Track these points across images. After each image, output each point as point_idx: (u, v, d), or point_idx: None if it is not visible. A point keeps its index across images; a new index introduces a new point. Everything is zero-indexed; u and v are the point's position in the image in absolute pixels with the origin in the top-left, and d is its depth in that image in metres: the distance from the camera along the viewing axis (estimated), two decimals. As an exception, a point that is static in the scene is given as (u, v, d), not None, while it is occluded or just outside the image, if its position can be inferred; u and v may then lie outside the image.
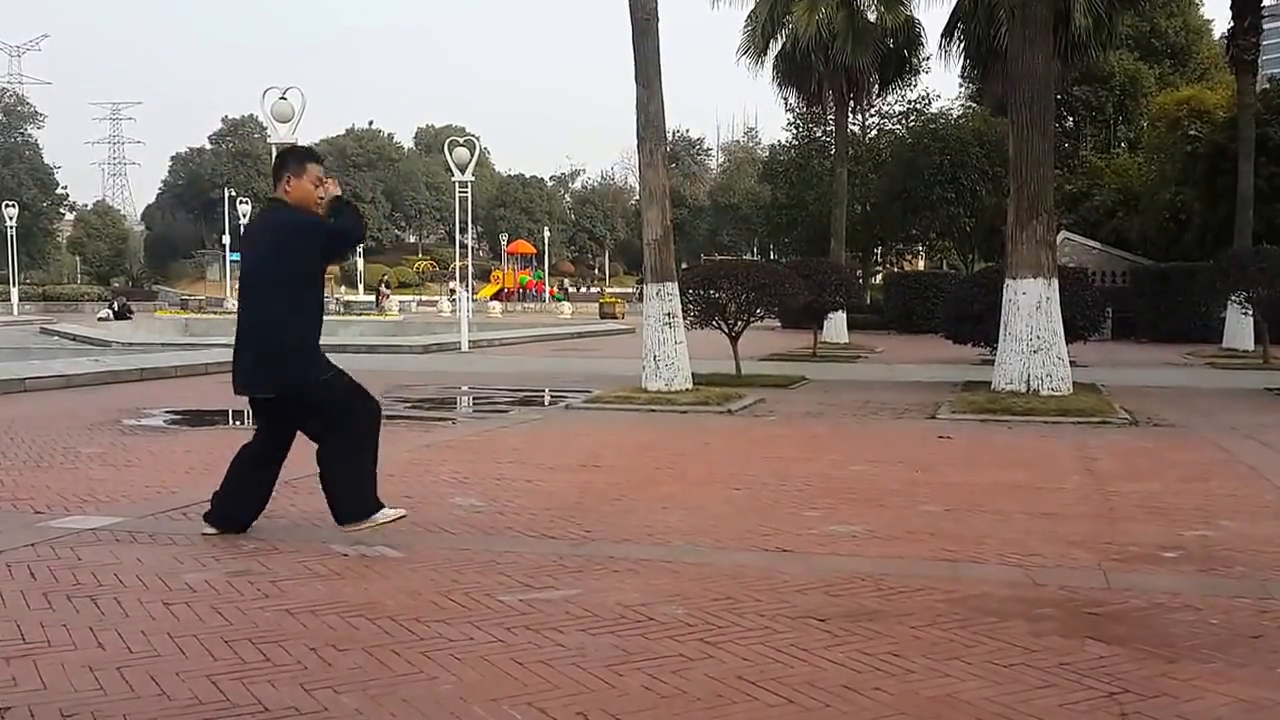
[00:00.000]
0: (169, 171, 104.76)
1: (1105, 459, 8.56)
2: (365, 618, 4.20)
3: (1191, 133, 31.59)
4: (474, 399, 14.20)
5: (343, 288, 74.92)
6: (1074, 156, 40.89)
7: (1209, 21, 45.28)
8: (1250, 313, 20.17)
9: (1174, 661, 3.71)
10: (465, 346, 23.58)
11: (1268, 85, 31.90)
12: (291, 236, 5.40)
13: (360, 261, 76.82)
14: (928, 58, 30.79)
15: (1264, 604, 4.41)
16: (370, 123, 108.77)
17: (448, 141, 40.15)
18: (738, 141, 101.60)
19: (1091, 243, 32.30)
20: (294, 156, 5.62)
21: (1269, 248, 21.31)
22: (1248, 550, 5.36)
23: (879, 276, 46.13)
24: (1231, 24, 24.49)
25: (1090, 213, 36.81)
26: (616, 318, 44.72)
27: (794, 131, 44.12)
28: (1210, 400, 13.50)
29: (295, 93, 24.01)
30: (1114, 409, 11.72)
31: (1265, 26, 25.30)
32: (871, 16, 27.12)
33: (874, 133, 43.82)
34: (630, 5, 13.44)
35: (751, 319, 15.84)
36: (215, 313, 47.48)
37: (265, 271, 5.41)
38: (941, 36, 23.52)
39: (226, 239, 71.78)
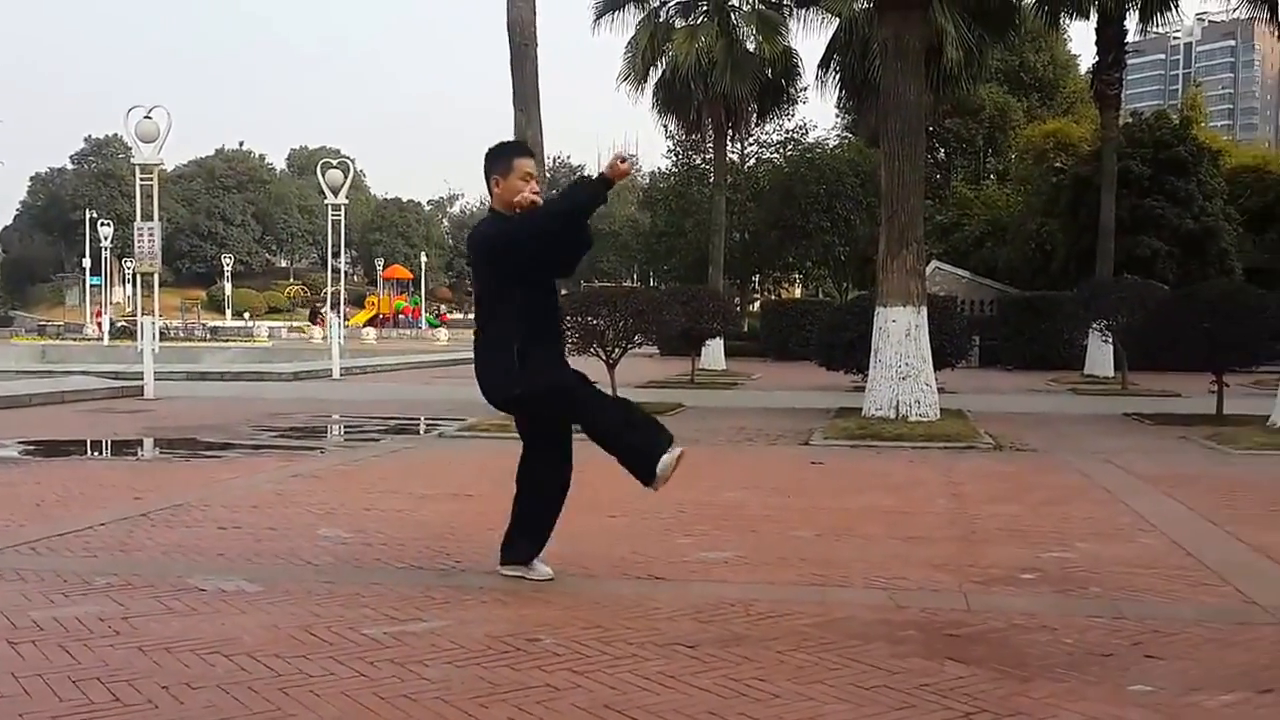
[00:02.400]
0: (27, 192, 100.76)
1: (970, 483, 8.79)
2: (221, 654, 4.05)
3: (1057, 165, 32.99)
4: (344, 427, 13.91)
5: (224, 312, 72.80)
6: (945, 187, 42.25)
7: (1075, 57, 47.34)
8: (1110, 340, 21.00)
9: (1029, 681, 3.80)
10: (337, 374, 23.13)
11: (1130, 119, 33.49)
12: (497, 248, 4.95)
13: (228, 286, 74.83)
14: (805, 88, 31.52)
15: (1116, 623, 4.55)
16: (241, 143, 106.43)
17: (321, 164, 39.49)
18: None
19: (961, 272, 33.36)
20: (499, 153, 5.06)
21: (1129, 278, 22.29)
22: (1102, 571, 5.54)
23: (757, 304, 46.84)
24: (1096, 60, 25.61)
25: (960, 242, 38.03)
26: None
27: (674, 159, 44.69)
28: (1071, 425, 13.99)
29: (161, 112, 23.33)
30: (979, 434, 12.06)
31: (1128, 62, 26.54)
32: (750, 46, 27.61)
33: (752, 161, 44.61)
34: (508, 31, 13.42)
35: (630, 346, 15.88)
36: (75, 339, 45.63)
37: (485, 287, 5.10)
38: (818, 67, 24.09)
39: (87, 262, 69.23)
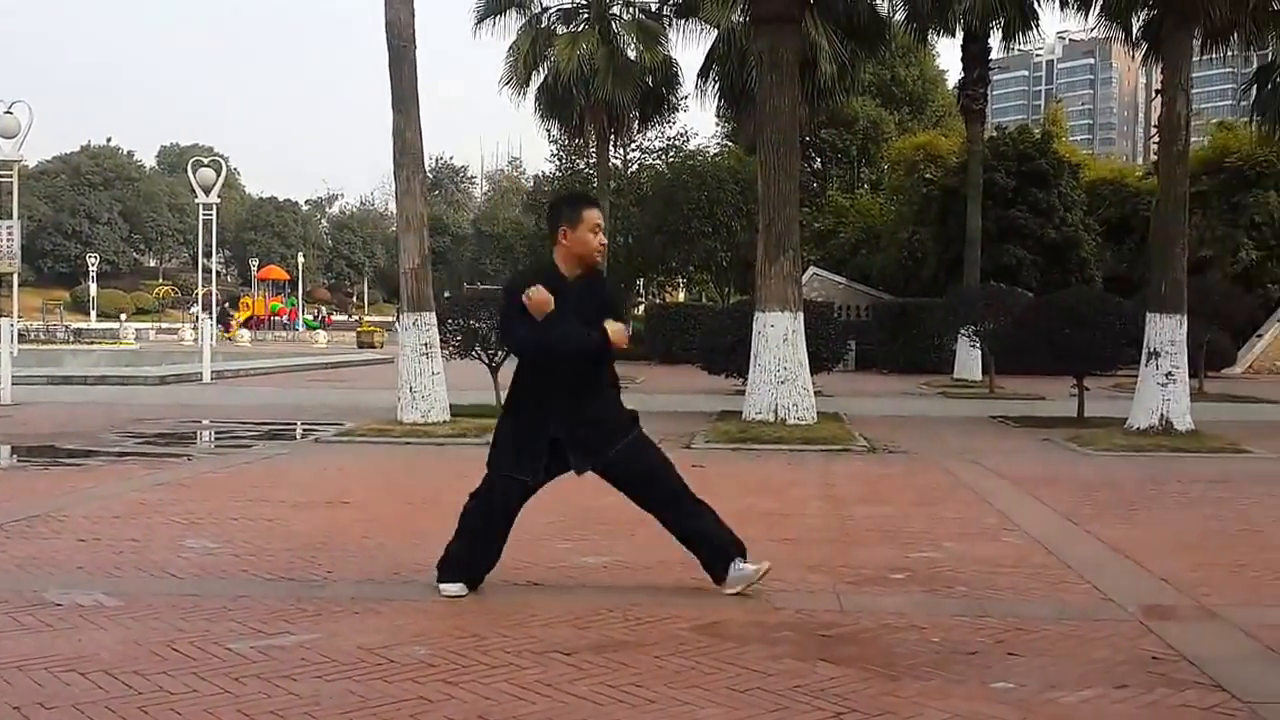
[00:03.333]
0: None
1: (844, 485, 8.97)
2: (78, 672, 3.88)
3: (927, 176, 33.87)
4: (215, 433, 13.50)
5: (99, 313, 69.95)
6: (821, 195, 43.02)
7: (944, 72, 48.67)
8: (978, 345, 21.66)
9: (897, 680, 3.89)
10: (208, 377, 22.46)
11: (995, 133, 34.60)
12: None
13: (93, 286, 72.03)
14: (686, 96, 31.70)
15: (980, 621, 4.69)
16: (109, 139, 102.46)
17: (192, 161, 38.30)
18: (502, 170, 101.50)
19: (837, 278, 34.03)
20: (570, 202, 5.15)
21: (995, 285, 23.02)
22: (968, 570, 5.70)
23: (641, 308, 47.04)
24: (962, 75, 26.41)
25: (836, 249, 38.80)
26: (375, 347, 43.72)
27: (557, 163, 44.55)
28: (942, 428, 14.39)
29: (22, 107, 22.34)
30: (854, 437, 12.33)
31: (993, 78, 27.40)
32: (632, 54, 27.70)
33: (636, 167, 44.78)
34: (387, 32, 13.22)
35: (512, 349, 15.75)
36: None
37: None
38: (698, 76, 24.23)
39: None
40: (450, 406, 13.25)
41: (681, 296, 53.06)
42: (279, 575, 5.48)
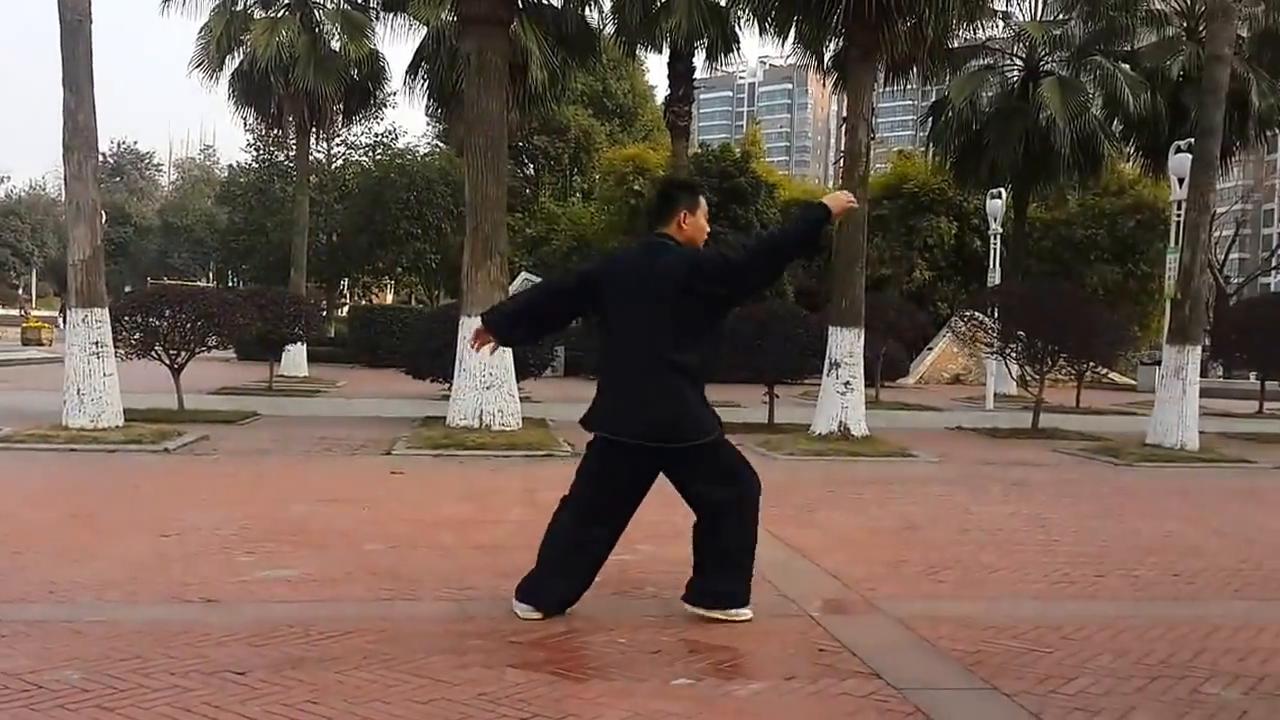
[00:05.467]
0: None
1: (547, 491, 8.96)
2: None
3: (635, 187, 34.77)
4: None
5: None
6: (534, 202, 43.33)
7: (653, 88, 50.15)
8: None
9: (583, 682, 3.93)
10: None
11: (699, 150, 35.98)
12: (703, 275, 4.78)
13: None
14: (394, 93, 31.15)
15: (667, 621, 4.82)
16: None
17: None
18: (193, 159, 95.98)
19: (548, 284, 34.25)
20: (691, 188, 5.13)
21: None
22: (658, 571, 5.86)
23: (345, 309, 45.71)
24: (669, 92, 27.27)
25: (549, 255, 39.14)
26: (43, 345, 40.24)
27: (255, 153, 42.66)
28: (641, 432, 14.73)
29: None
30: (559, 442, 12.43)
31: (699, 97, 28.44)
32: (335, 45, 26.87)
33: (340, 162, 43.53)
34: (59, 5, 12.14)
35: (199, 349, 14.91)
36: None
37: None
38: (407, 74, 23.74)
39: None
40: (125, 411, 12.33)
41: (389, 298, 52.03)
42: (-90, 598, 4.91)
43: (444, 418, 13.77)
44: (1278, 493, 10.42)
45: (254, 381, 21.86)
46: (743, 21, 21.61)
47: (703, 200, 5.05)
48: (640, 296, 4.84)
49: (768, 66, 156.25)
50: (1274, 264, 55.80)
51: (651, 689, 3.89)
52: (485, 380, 13.33)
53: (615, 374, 5.04)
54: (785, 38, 16.11)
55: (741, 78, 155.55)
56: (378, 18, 25.89)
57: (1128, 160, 29.63)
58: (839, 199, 4.88)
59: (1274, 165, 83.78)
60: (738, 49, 24.69)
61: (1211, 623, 5.06)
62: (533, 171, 45.39)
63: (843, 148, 16.31)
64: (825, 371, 13.82)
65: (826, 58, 19.46)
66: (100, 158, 14.57)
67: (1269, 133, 27.25)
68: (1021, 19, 27.01)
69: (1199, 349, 14.82)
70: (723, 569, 4.86)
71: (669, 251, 4.89)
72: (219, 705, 3.60)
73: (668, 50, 25.76)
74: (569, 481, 5.15)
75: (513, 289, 28.86)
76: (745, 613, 4.82)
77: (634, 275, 4.93)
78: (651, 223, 5.12)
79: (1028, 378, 16.61)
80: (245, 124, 35.36)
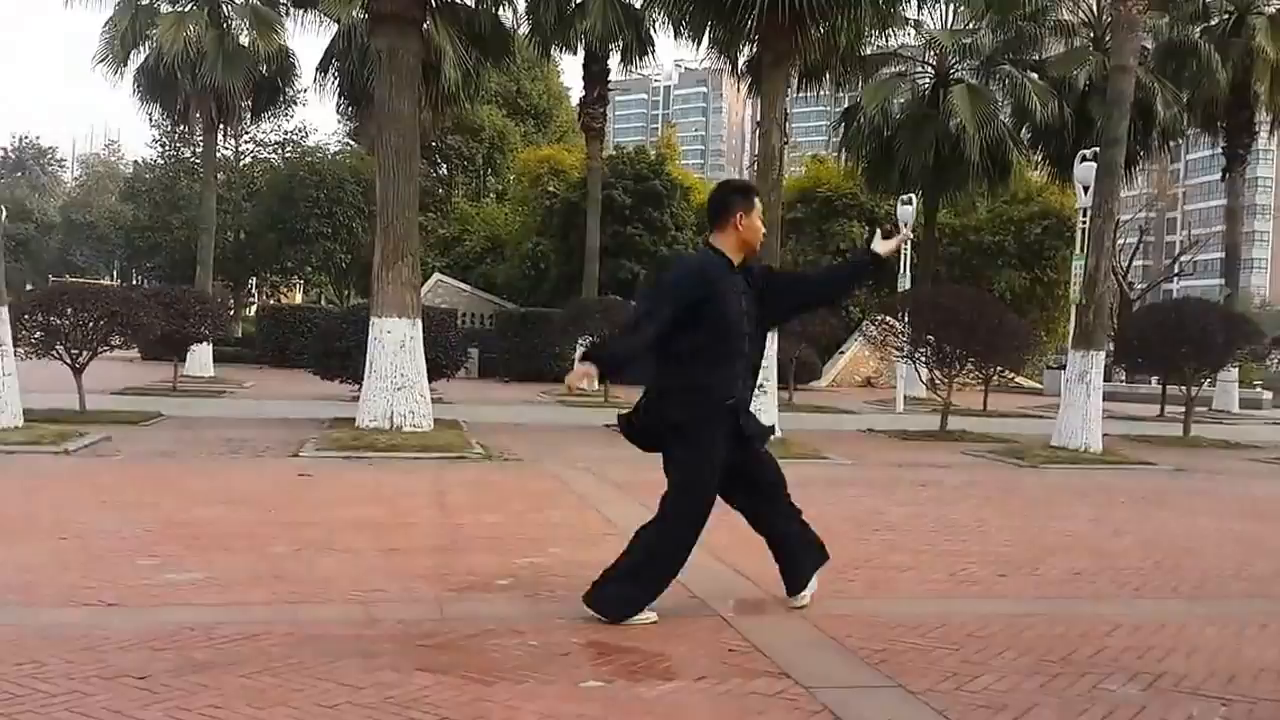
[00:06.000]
0: None
1: (458, 493, 8.95)
2: None
3: (550, 189, 34.72)
4: None
5: None
6: (447, 202, 43.00)
7: (568, 89, 50.00)
8: (591, 355, 22.36)
9: (492, 685, 3.90)
10: None
11: (615, 152, 36.03)
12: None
13: None
14: (304, 90, 30.68)
15: (578, 624, 4.81)
16: None
17: None
18: (98, 154, 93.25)
19: (463, 285, 34.08)
20: (745, 191, 5.09)
21: (611, 298, 23.96)
22: (569, 574, 5.83)
23: (253, 308, 44.85)
24: (584, 93, 27.24)
25: (462, 256, 38.89)
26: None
27: (161, 149, 41.69)
28: (558, 435, 14.71)
29: None
30: (471, 445, 12.35)
31: (615, 99, 28.48)
32: (244, 40, 26.38)
33: (249, 159, 42.72)
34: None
35: (101, 349, 14.51)
36: None
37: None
38: (317, 71, 23.44)
39: None
40: (25, 411, 11.96)
41: (298, 298, 51.17)
42: None
43: (354, 419, 13.58)
44: (1177, 494, 10.76)
45: (158, 382, 21.33)
46: (658, 25, 21.67)
47: (757, 201, 5.07)
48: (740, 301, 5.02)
49: (683, 70, 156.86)
50: (1176, 270, 57.52)
51: (561, 691, 3.88)
52: (396, 382, 13.19)
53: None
54: (700, 42, 16.19)
55: (657, 80, 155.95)
56: (288, 13, 25.49)
57: (1035, 168, 30.39)
58: (888, 246, 5.04)
59: (1177, 174, 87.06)
60: (653, 52, 24.79)
61: (1112, 621, 5.21)
62: (446, 171, 45.03)
63: (757, 152, 16.46)
64: (739, 374, 13.91)
65: (741, 62, 19.67)
66: (1, 153, 14.06)
67: (1172, 142, 28.11)
68: (932, 27, 27.55)
69: (1103, 354, 15.26)
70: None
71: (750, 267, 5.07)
72: (119, 710, 3.51)
73: (583, 52, 25.78)
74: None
75: (425, 290, 28.78)
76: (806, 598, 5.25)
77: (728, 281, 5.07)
78: (709, 226, 5.11)
79: (936, 381, 16.96)
80: (151, 120, 34.66)
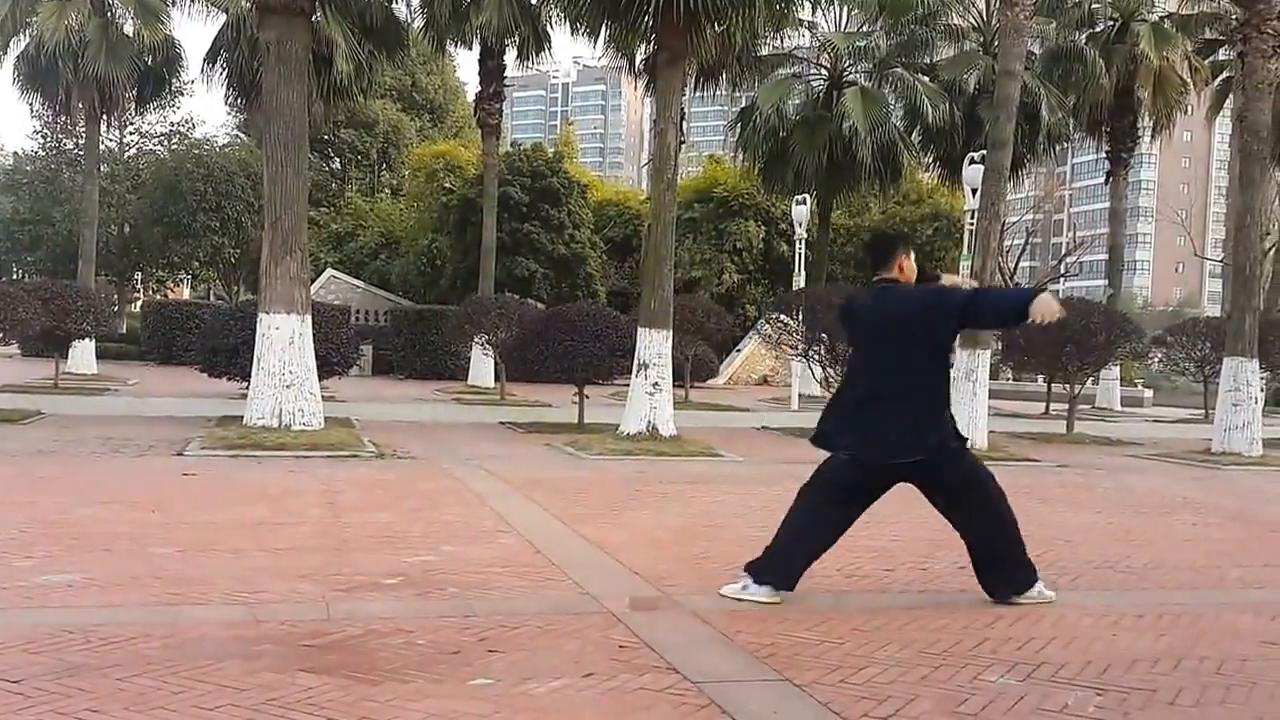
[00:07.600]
0: None
1: (348, 492, 8.82)
2: None
3: (446, 185, 34.38)
4: None
5: None
6: (340, 197, 42.27)
7: (464, 84, 49.55)
8: (490, 353, 22.25)
9: (378, 685, 3.87)
10: None
11: (511, 149, 35.82)
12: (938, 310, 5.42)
13: None
14: (191, 81, 29.90)
15: (466, 621, 4.80)
16: None
17: None
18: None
19: (356, 282, 33.53)
20: (904, 238, 6.13)
21: (507, 295, 23.82)
22: (461, 572, 5.82)
23: (138, 304, 43.50)
24: (480, 89, 27.01)
25: (356, 252, 38.24)
26: None
27: (42, 141, 40.21)
28: (452, 433, 14.59)
29: None
30: (363, 443, 12.18)
31: (513, 96, 28.29)
32: (129, 30, 25.56)
33: (133, 151, 41.46)
34: None
35: (-27, 346, 13.96)
36: None
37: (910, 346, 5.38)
38: (204, 62, 22.76)
39: None
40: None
41: (186, 293, 49.80)
42: None
43: (242, 417, 13.28)
44: (1061, 488, 11.11)
45: (38, 379, 20.57)
46: (554, 21, 21.67)
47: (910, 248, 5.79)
48: (876, 334, 5.55)
49: (581, 67, 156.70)
50: (1062, 271, 59.37)
51: (448, 689, 3.86)
52: (285, 379, 12.93)
53: (852, 401, 5.62)
54: (597, 39, 16.16)
55: (555, 77, 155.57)
56: (174, 2, 24.69)
57: (926, 170, 31.04)
58: (1050, 309, 5.21)
59: (1063, 177, 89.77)
60: (550, 48, 24.68)
61: (994, 613, 5.38)
62: (340, 166, 44.30)
63: (653, 151, 16.54)
64: (634, 372, 13.99)
65: (638, 60, 19.72)
66: None
67: (1058, 146, 28.99)
68: (827, 29, 27.94)
69: (989, 353, 15.69)
70: (993, 564, 5.61)
71: (899, 292, 5.56)
72: (-16, 720, 3.40)
73: (478, 47, 25.59)
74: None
75: (317, 286, 28.29)
76: (1046, 593, 5.67)
77: (871, 315, 5.62)
78: (875, 268, 5.67)
79: (830, 380, 17.23)
80: (32, 110, 33.38)
